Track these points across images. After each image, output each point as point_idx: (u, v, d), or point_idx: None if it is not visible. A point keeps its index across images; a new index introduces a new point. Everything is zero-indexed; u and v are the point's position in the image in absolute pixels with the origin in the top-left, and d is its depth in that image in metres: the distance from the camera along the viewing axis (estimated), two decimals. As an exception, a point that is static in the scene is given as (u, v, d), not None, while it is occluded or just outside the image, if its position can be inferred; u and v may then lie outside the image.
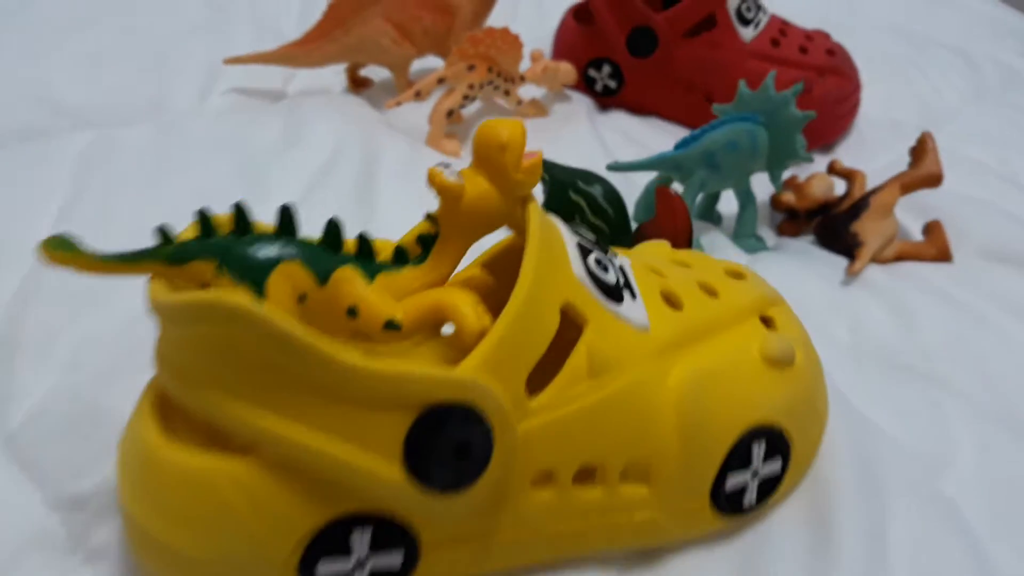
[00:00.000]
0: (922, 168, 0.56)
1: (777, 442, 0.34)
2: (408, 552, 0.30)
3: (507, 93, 0.67)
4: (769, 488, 0.35)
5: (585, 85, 0.72)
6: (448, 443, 0.28)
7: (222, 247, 0.30)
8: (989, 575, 0.35)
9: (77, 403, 0.40)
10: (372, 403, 0.28)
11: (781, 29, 0.70)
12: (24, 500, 0.37)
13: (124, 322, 0.43)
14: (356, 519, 0.29)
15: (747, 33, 0.68)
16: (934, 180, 0.56)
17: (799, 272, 0.53)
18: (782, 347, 0.35)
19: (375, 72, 0.71)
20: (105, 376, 0.41)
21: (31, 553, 0.35)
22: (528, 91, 0.71)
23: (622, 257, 0.36)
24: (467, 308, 0.30)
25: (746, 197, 0.57)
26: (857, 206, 0.56)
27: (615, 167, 0.54)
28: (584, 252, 0.33)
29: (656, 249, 0.41)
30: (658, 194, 0.48)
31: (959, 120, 0.77)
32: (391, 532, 0.30)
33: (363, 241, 0.32)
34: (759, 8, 0.70)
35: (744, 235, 0.58)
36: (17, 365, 0.42)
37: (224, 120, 0.63)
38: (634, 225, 0.52)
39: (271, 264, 0.31)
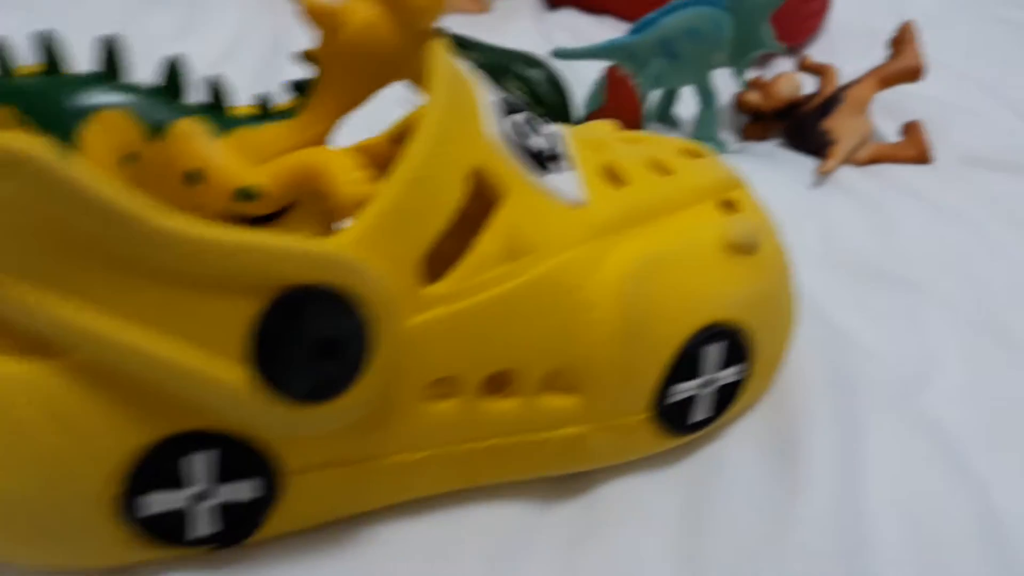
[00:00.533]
0: (902, 60, 0.49)
1: (736, 344, 0.27)
2: (267, 481, 0.23)
3: None
4: (725, 400, 0.28)
5: (533, -19, 0.64)
6: (309, 337, 0.21)
7: (24, 90, 0.23)
8: (979, 500, 0.28)
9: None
10: (206, 285, 0.20)
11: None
12: None
13: None
14: (194, 439, 0.22)
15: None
16: (914, 73, 0.49)
17: (765, 175, 0.46)
18: (744, 231, 0.28)
19: None
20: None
21: None
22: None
23: (557, 127, 0.29)
24: (342, 172, 0.23)
25: (706, 95, 0.50)
26: (829, 102, 0.49)
27: (560, 54, 0.47)
28: (505, 111, 0.26)
29: (602, 128, 0.34)
30: (609, 76, 0.41)
31: (938, 29, 0.70)
32: (242, 456, 0.22)
33: (215, 87, 0.24)
34: None
35: (704, 138, 0.51)
36: None
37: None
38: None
39: (86, 112, 0.23)
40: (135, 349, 0.20)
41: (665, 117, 0.53)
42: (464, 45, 0.43)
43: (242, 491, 0.23)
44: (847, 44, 0.64)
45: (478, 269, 0.24)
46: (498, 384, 0.25)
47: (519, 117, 0.26)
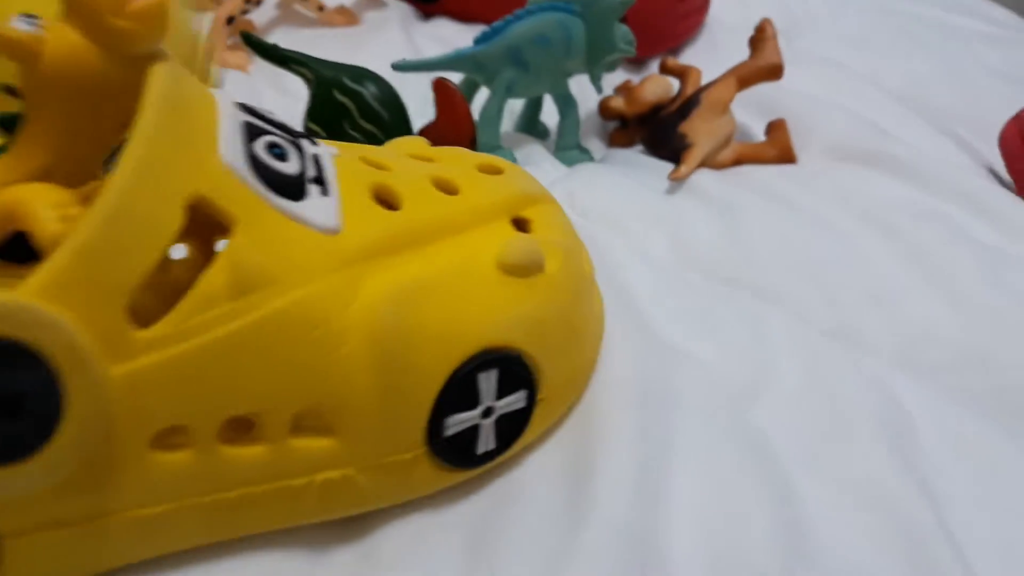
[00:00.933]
0: (760, 59, 0.48)
1: (516, 370, 0.26)
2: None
3: None
4: (513, 429, 0.27)
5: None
6: (-12, 394, 0.20)
7: None
8: (787, 514, 0.27)
9: None
10: None
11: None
12: None
13: None
14: None
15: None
16: (774, 71, 0.48)
17: (621, 183, 0.45)
18: (523, 250, 0.26)
19: None
20: None
21: None
22: None
23: (325, 147, 0.28)
24: (43, 208, 0.21)
25: (565, 102, 0.49)
26: (686, 105, 0.48)
27: (402, 66, 0.45)
28: (253, 134, 0.25)
29: (405, 145, 0.33)
30: (436, 88, 0.40)
31: (825, 22, 0.70)
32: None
33: None
34: None
35: (565, 147, 0.50)
36: None
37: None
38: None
39: None
40: None
41: (532, 128, 0.52)
42: (292, 60, 0.42)
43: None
44: (728, 40, 0.64)
45: (201, 307, 0.22)
46: (239, 430, 0.23)
47: (267, 140, 0.25)
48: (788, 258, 0.40)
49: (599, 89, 0.49)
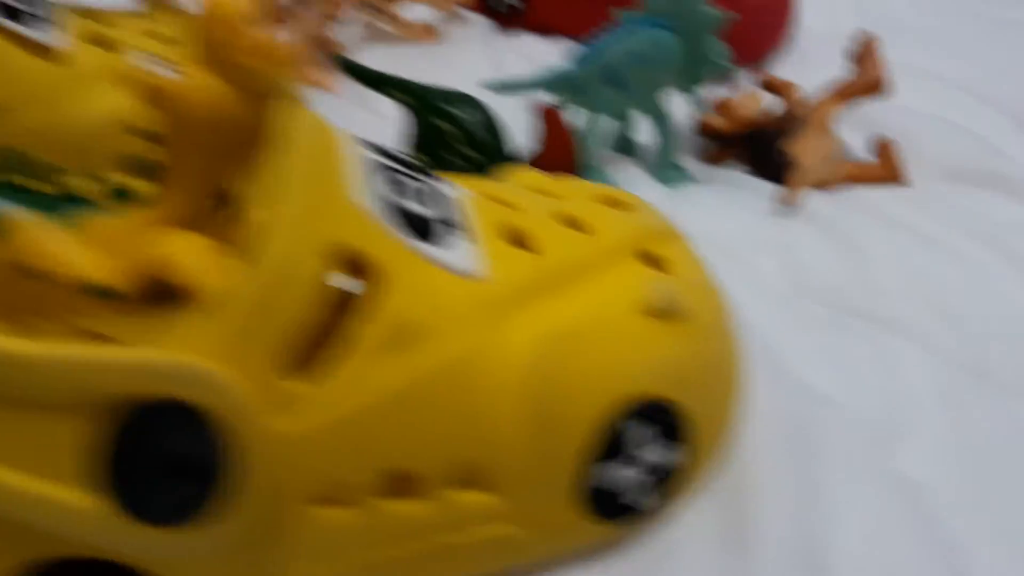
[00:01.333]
0: (863, 75, 0.47)
1: (667, 420, 0.25)
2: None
3: (386, 14, 0.57)
4: (666, 480, 0.26)
5: (483, 4, 0.63)
6: (158, 456, 0.19)
7: None
8: (958, 571, 0.26)
9: None
10: (40, 406, 0.19)
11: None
12: None
13: None
14: (64, 570, 0.20)
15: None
16: (877, 87, 0.47)
17: (725, 205, 0.45)
18: (666, 293, 0.26)
19: None
20: None
21: None
22: (419, 13, 0.61)
23: (456, 186, 0.27)
24: (190, 260, 0.21)
25: (662, 121, 0.48)
26: (790, 123, 0.47)
27: (497, 87, 0.45)
28: (385, 176, 0.24)
29: (522, 177, 0.32)
30: (540, 114, 0.39)
31: (911, 30, 0.68)
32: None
33: (46, 172, 0.23)
34: None
35: (663, 166, 0.49)
36: None
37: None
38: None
39: None
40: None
41: (624, 147, 0.51)
42: (388, 83, 0.42)
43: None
44: (816, 50, 0.62)
45: (360, 363, 0.22)
46: (400, 487, 0.23)
47: (401, 179, 0.24)
48: (913, 287, 0.38)
49: (699, 107, 0.48)
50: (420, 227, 0.23)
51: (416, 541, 0.23)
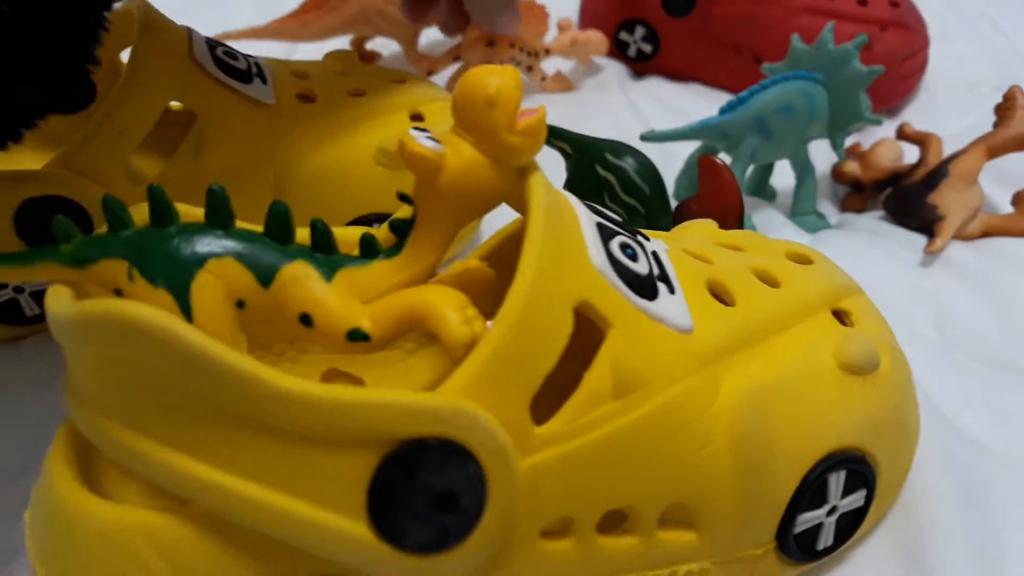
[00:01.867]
0: (1011, 128, 0.48)
1: (860, 470, 0.27)
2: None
3: (530, 68, 0.60)
4: (850, 525, 0.28)
5: (617, 50, 0.65)
6: (425, 491, 0.22)
7: (134, 243, 0.24)
8: None
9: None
10: (321, 441, 0.21)
11: (835, -22, 0.62)
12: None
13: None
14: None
15: (796, -16, 0.61)
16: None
17: (869, 253, 0.46)
18: (863, 349, 0.27)
19: (383, 45, 0.64)
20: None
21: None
22: (552, 63, 0.64)
23: (656, 241, 0.29)
24: (450, 311, 0.23)
25: (804, 168, 0.50)
26: (934, 175, 0.48)
27: (651, 137, 0.47)
28: (606, 235, 0.26)
29: (700, 230, 0.34)
30: (702, 165, 0.41)
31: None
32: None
33: (318, 230, 0.25)
34: (810, -44, 0.61)
35: (803, 212, 0.50)
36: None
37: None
38: (674, 204, 0.44)
39: (197, 263, 0.24)
40: (256, 503, 0.21)
41: (761, 191, 0.53)
42: (550, 133, 0.44)
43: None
44: (946, 97, 0.63)
45: (589, 406, 0.24)
46: (614, 523, 0.25)
47: (620, 241, 0.26)
48: None
49: (841, 156, 0.50)
50: (638, 284, 0.25)
51: (626, 574, 0.25)
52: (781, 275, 0.30)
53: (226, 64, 0.37)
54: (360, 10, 0.59)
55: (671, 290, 0.27)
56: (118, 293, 0.24)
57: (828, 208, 0.53)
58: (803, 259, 0.31)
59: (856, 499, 0.27)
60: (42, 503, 0.24)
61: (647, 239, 0.29)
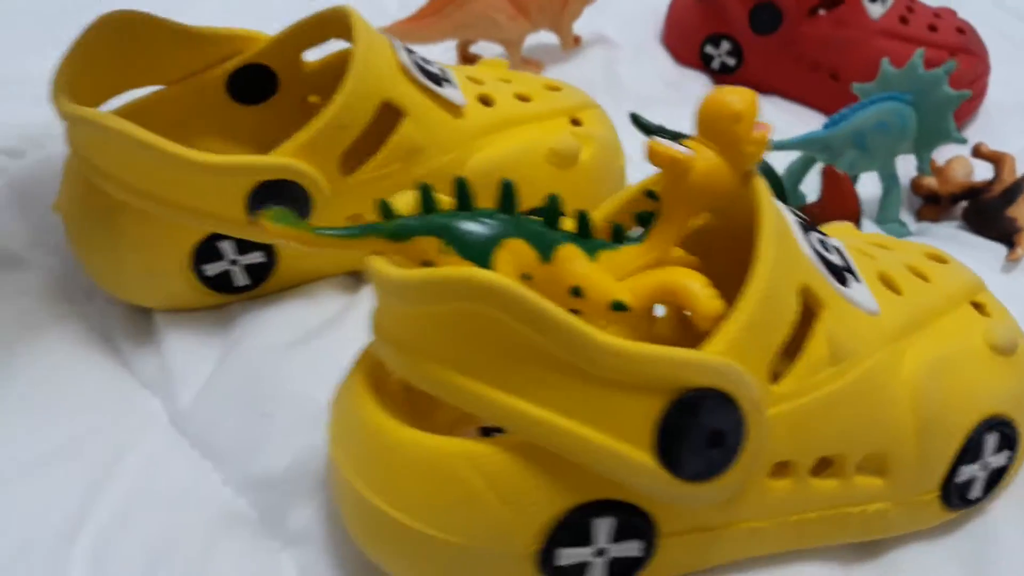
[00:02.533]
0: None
1: (1008, 433, 0.33)
2: (647, 542, 0.29)
3: None
4: (994, 480, 0.34)
5: (701, 62, 0.71)
6: (702, 430, 0.27)
7: (445, 224, 0.29)
8: None
9: (245, 380, 0.40)
10: (625, 386, 0.27)
11: (908, 6, 0.68)
12: (206, 483, 0.37)
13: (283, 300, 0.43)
14: (598, 507, 0.28)
15: (875, 10, 0.67)
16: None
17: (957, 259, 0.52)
18: (1008, 335, 0.33)
19: (484, 48, 0.70)
20: (271, 352, 0.41)
21: (225, 539, 0.34)
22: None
23: (832, 237, 0.35)
24: (702, 290, 0.29)
25: (891, 180, 0.56)
26: (1012, 190, 0.54)
27: (772, 146, 0.53)
28: (805, 230, 0.32)
29: (844, 231, 0.40)
30: (826, 175, 0.47)
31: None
32: (633, 521, 0.29)
33: (582, 218, 0.31)
34: (887, -16, 0.68)
35: (888, 219, 0.57)
36: (184, 343, 0.42)
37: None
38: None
39: (495, 241, 0.30)
40: (570, 434, 0.27)
41: (794, 197, 0.59)
42: (679, 138, 0.50)
43: (630, 550, 0.29)
44: (1004, 120, 0.69)
45: (810, 372, 0.30)
46: (822, 467, 0.31)
47: (816, 236, 0.32)
48: None
49: (927, 171, 0.56)
50: (835, 272, 0.31)
51: (824, 510, 0.32)
52: (928, 271, 0.36)
53: (423, 68, 0.43)
54: (473, 16, 0.65)
55: (856, 279, 0.32)
56: (426, 264, 0.29)
57: (905, 216, 0.59)
58: (940, 259, 0.38)
59: (1001, 458, 0.33)
60: (356, 430, 0.30)
61: (826, 235, 0.34)
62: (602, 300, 0.30)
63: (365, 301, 0.44)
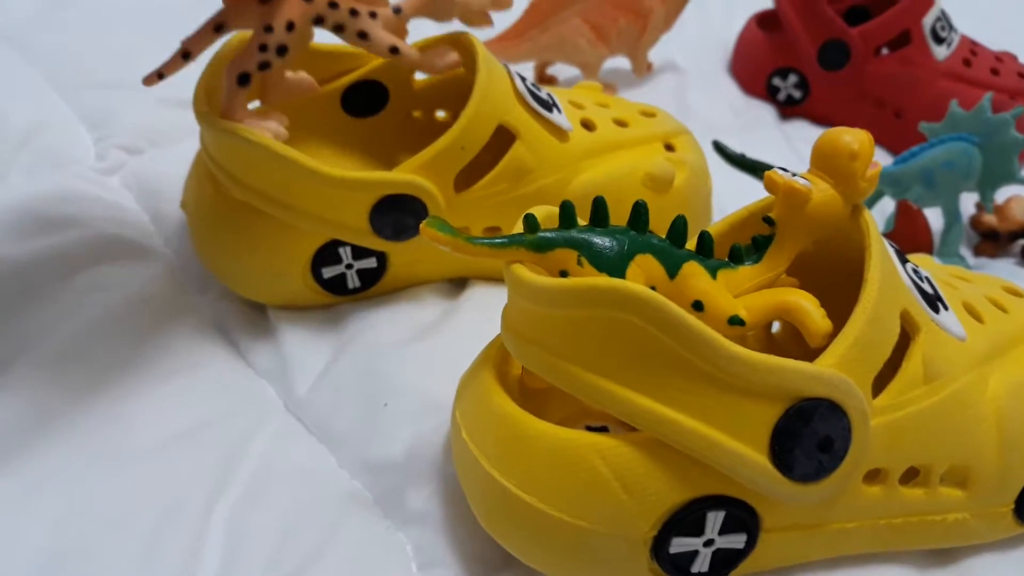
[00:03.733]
0: None
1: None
2: (750, 536, 0.33)
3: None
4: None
5: (767, 93, 0.74)
6: (813, 436, 0.31)
7: (582, 238, 0.33)
8: None
9: (358, 373, 0.43)
10: (748, 392, 0.30)
11: (972, 49, 0.71)
12: (325, 466, 0.40)
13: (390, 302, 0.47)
14: (712, 501, 0.32)
15: (940, 52, 0.70)
16: None
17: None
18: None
19: (560, 69, 0.74)
20: (383, 348, 0.44)
21: (346, 515, 0.38)
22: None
23: (922, 268, 0.38)
24: (815, 310, 0.32)
25: (953, 216, 0.59)
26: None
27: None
28: (901, 259, 0.36)
29: (926, 262, 0.43)
30: (900, 208, 0.51)
31: None
32: (740, 516, 0.32)
33: (704, 238, 0.34)
34: (951, 27, 0.71)
35: (949, 253, 0.60)
36: (299, 337, 0.45)
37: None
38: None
39: (628, 256, 0.33)
40: (694, 433, 0.30)
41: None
42: (755, 167, 0.53)
43: (734, 542, 0.32)
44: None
45: (907, 387, 0.33)
46: (910, 476, 0.34)
47: (911, 267, 0.36)
48: None
49: (990, 209, 0.59)
50: (928, 299, 0.35)
51: (908, 516, 0.35)
52: (1005, 303, 0.39)
53: (534, 94, 0.46)
54: (556, 40, 0.69)
55: (945, 307, 0.36)
56: (563, 274, 0.33)
57: (963, 252, 0.62)
58: (1015, 291, 0.41)
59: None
60: (488, 417, 0.33)
61: (918, 266, 0.38)
62: (721, 315, 0.33)
63: (465, 305, 0.47)
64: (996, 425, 0.34)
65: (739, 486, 0.31)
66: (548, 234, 0.33)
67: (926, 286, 0.35)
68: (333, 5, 0.42)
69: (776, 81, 0.74)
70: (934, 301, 0.35)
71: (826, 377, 0.30)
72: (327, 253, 0.45)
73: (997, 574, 0.37)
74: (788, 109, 0.74)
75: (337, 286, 0.46)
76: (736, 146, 0.68)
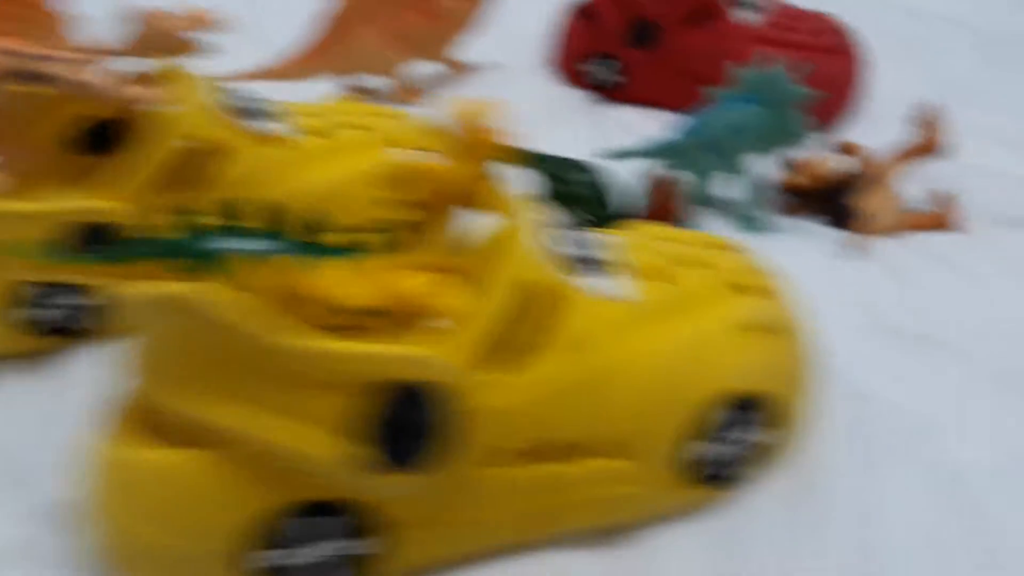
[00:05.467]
0: (922, 138, 0.57)
1: (753, 410, 0.35)
2: (375, 539, 0.31)
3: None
4: (747, 459, 0.36)
5: (586, 81, 0.74)
6: (405, 421, 0.29)
7: (183, 244, 0.32)
8: (997, 551, 0.36)
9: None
10: (319, 383, 0.28)
11: (785, 12, 0.71)
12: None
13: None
14: (314, 507, 0.30)
15: (750, 17, 0.69)
16: (934, 150, 0.56)
17: (800, 250, 0.54)
18: (757, 313, 0.36)
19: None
20: None
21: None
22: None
23: (601, 234, 0.37)
24: (423, 291, 0.31)
25: (745, 178, 0.58)
26: (856, 179, 0.57)
27: (610, 154, 0.55)
28: (555, 226, 0.35)
29: (642, 228, 0.42)
30: (653, 181, 0.50)
31: (974, 94, 0.77)
32: (355, 519, 0.31)
33: (308, 228, 0.33)
34: (759, -9, 0.71)
35: (744, 218, 0.59)
36: None
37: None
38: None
39: (248, 257, 0.32)
40: (261, 436, 0.29)
41: (706, 201, 0.61)
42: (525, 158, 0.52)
43: (358, 546, 0.31)
44: (887, 114, 0.71)
45: (547, 359, 0.32)
46: (568, 452, 0.33)
47: (567, 231, 0.35)
48: (964, 317, 0.48)
49: (781, 168, 0.58)
50: (584, 264, 0.34)
51: (571, 495, 0.33)
52: (711, 259, 0.38)
53: (240, 107, 0.46)
54: (357, 53, 0.68)
55: (610, 270, 0.35)
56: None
57: (778, 215, 0.61)
58: (721, 247, 0.40)
59: (750, 435, 0.36)
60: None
61: (601, 235, 0.37)
62: (350, 306, 0.32)
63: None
64: (650, 387, 0.33)
65: (342, 486, 0.30)
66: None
67: (584, 249, 0.35)
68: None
69: (592, 68, 0.73)
70: (592, 264, 0.34)
71: (405, 358, 0.29)
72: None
73: (675, 544, 0.35)
74: (608, 95, 0.73)
75: None
76: (552, 138, 0.68)
